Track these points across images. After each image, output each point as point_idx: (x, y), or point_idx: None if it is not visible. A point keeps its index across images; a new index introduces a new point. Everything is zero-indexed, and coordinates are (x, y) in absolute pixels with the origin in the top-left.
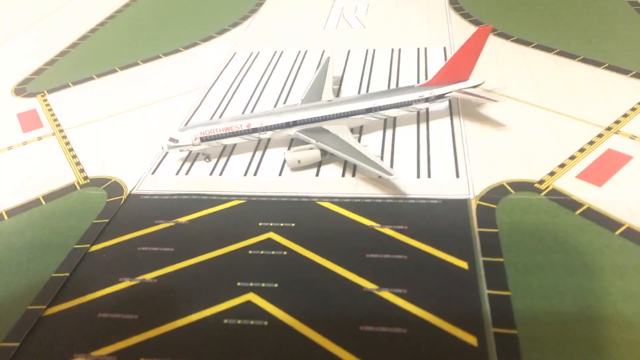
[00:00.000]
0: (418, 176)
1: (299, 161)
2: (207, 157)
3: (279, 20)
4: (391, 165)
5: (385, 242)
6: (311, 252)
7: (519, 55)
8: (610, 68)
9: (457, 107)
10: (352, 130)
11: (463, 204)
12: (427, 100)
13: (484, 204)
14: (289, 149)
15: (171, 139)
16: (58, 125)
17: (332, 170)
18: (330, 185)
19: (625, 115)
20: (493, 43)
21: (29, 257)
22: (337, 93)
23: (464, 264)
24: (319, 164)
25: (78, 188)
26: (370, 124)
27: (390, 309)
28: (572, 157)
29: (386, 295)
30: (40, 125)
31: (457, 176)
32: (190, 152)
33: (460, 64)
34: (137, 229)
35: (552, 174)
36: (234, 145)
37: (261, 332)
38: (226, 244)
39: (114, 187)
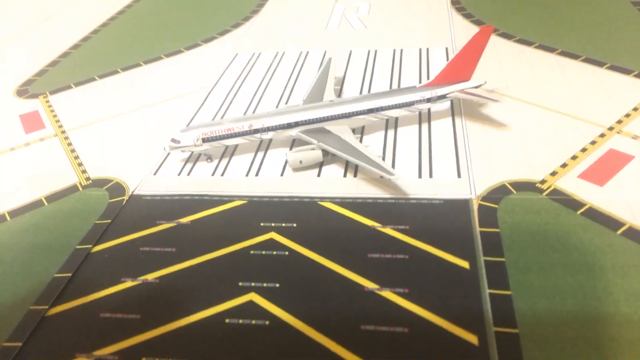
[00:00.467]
0: (420, 176)
1: (300, 161)
2: (209, 158)
3: (280, 21)
4: (393, 165)
5: (386, 242)
6: (313, 252)
7: (521, 55)
8: (613, 68)
9: (459, 107)
10: (353, 131)
11: (464, 204)
12: (429, 100)
13: (486, 203)
14: (290, 149)
15: (173, 140)
16: (60, 126)
17: (333, 171)
18: (331, 185)
19: (627, 115)
20: (495, 43)
21: (32, 258)
22: (339, 93)
23: (465, 264)
24: (320, 164)
25: (80, 189)
26: (372, 124)
27: (392, 309)
28: (574, 157)
29: (387, 294)
30: (42, 126)
31: (459, 176)
32: (192, 152)
33: (462, 65)
34: (139, 230)
35: (553, 173)
36: (236, 145)
37: (263, 332)
38: (228, 244)
39: (116, 188)
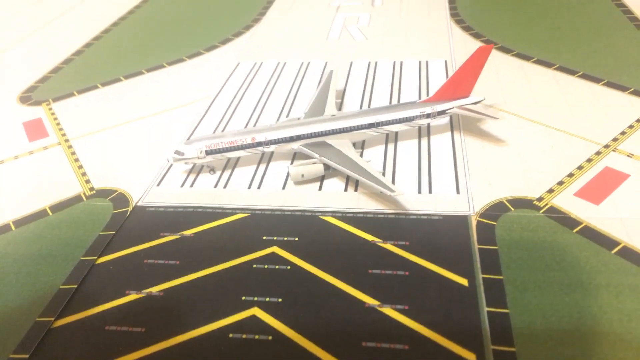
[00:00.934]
0: (419, 191)
1: (302, 175)
2: (212, 170)
3: (281, 30)
4: (393, 180)
5: (387, 258)
6: (314, 267)
7: (519, 69)
8: (609, 85)
9: (458, 122)
10: (354, 145)
11: (463, 220)
12: (428, 116)
13: (484, 220)
14: (292, 162)
15: (177, 152)
16: (64, 134)
17: (334, 185)
18: (332, 199)
19: (622, 133)
20: (493, 57)
21: (37, 268)
22: (340, 106)
23: (464, 281)
24: (321, 178)
25: (84, 199)
26: (372, 139)
27: (392, 325)
28: (571, 175)
29: (388, 311)
30: (46, 134)
31: (458, 192)
32: (195, 164)
33: (461, 81)
34: (143, 241)
35: (550, 191)
36: (238, 158)
37: (265, 347)
38: (231, 257)
39: (120, 199)
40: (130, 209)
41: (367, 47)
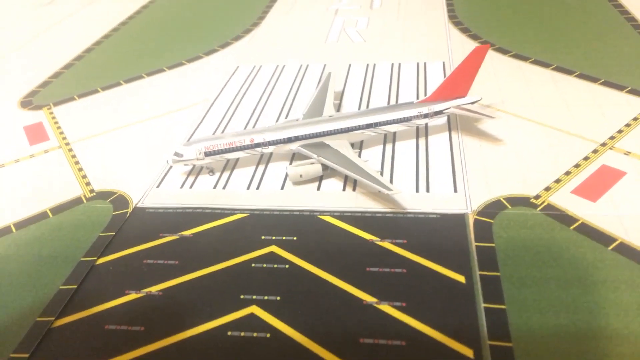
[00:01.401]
0: (417, 190)
1: (300, 175)
2: (211, 171)
3: (280, 33)
4: (390, 179)
5: (384, 256)
6: (312, 265)
7: (516, 70)
8: (606, 84)
9: (456, 122)
10: (352, 145)
11: (461, 218)
12: (426, 116)
13: (481, 218)
14: (290, 163)
15: (176, 154)
16: (64, 138)
17: (333, 185)
18: (331, 199)
19: (619, 131)
20: (491, 57)
21: (38, 269)
22: (338, 108)
23: (461, 278)
24: (320, 178)
25: (84, 201)
26: (371, 139)
27: (390, 322)
28: (568, 173)
29: (386, 308)
30: (46, 138)
31: (455, 191)
32: (195, 165)
33: (459, 81)
34: (142, 242)
35: (547, 189)
36: (237, 159)
37: (264, 345)
38: (230, 257)
39: (120, 200)
40: (130, 210)
41: (366, 50)
